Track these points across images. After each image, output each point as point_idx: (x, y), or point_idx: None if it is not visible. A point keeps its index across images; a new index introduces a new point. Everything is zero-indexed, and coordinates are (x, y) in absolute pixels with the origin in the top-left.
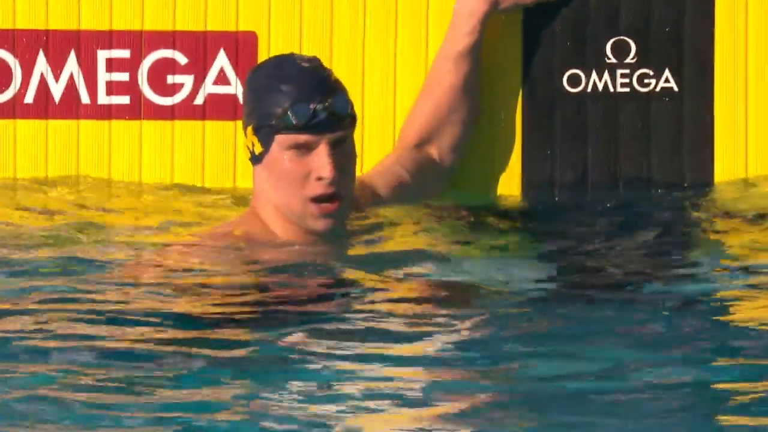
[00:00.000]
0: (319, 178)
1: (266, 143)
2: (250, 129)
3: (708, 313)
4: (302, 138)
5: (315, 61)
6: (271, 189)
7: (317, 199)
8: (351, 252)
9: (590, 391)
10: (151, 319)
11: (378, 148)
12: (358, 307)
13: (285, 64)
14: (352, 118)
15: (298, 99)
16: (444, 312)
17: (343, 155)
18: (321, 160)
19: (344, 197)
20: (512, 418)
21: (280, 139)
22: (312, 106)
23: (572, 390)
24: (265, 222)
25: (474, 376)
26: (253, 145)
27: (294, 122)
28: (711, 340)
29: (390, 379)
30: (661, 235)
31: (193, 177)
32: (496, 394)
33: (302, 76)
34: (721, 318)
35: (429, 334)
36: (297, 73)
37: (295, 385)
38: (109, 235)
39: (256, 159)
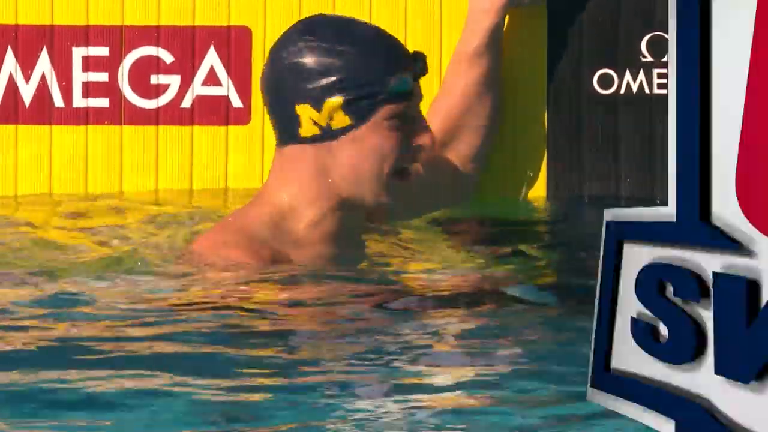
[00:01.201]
0: (418, 146)
1: (364, 115)
2: (334, 101)
3: None
4: (402, 106)
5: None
6: (349, 169)
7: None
8: (368, 245)
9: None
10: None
11: None
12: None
13: (361, 28)
14: None
15: (399, 66)
16: (455, 314)
17: None
18: (419, 126)
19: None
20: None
21: (388, 109)
22: (408, 73)
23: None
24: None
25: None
26: (331, 119)
27: (405, 89)
28: None
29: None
30: None
31: (179, 187)
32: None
33: (388, 41)
34: None
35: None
36: (381, 38)
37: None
38: (86, 252)
39: (330, 135)
